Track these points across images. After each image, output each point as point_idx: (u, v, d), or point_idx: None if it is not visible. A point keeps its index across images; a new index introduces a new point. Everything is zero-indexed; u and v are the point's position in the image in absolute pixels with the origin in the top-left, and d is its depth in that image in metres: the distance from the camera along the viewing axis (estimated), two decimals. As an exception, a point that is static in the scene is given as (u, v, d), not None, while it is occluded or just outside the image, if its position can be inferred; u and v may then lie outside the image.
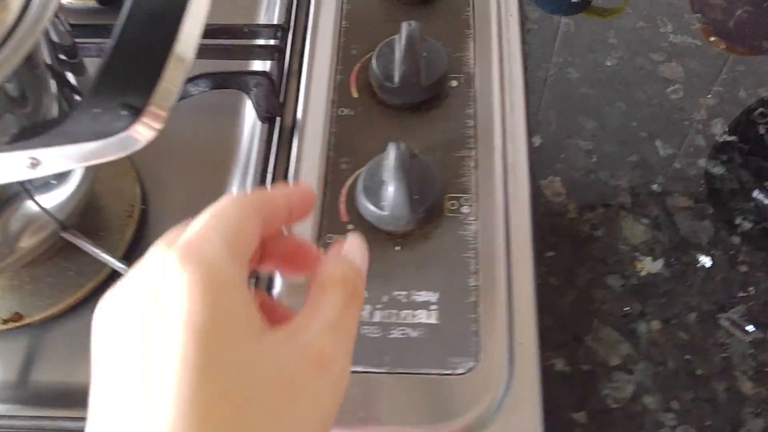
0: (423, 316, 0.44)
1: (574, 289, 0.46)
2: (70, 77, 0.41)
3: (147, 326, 0.24)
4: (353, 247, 0.30)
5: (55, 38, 0.39)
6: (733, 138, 0.52)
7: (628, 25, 0.58)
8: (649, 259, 0.47)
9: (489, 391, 0.42)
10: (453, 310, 0.44)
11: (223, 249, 0.25)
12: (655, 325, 0.45)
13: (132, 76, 0.31)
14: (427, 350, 0.43)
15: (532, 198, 0.48)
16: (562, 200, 0.49)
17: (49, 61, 0.38)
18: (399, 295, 0.44)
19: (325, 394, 0.25)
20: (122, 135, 0.31)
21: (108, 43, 0.32)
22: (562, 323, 0.45)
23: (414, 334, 0.43)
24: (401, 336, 0.43)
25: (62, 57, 0.39)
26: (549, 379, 0.44)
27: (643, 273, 0.46)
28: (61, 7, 0.40)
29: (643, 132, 0.52)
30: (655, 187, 0.50)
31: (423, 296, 0.44)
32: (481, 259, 0.45)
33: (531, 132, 0.52)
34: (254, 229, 0.27)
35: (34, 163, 0.33)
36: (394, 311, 0.44)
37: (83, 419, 0.42)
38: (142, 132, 0.31)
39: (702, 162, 0.51)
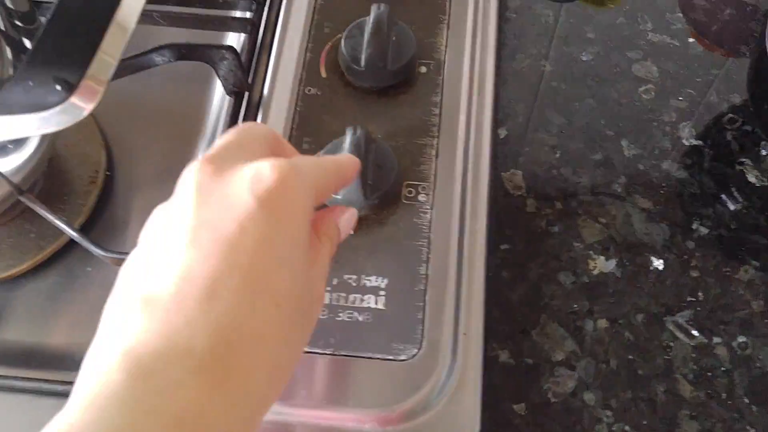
0: (371, 301, 0.44)
1: (525, 284, 0.46)
2: (27, 44, 0.41)
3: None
4: (348, 219, 0.37)
5: (9, 4, 0.39)
6: (699, 142, 0.52)
7: (608, 21, 0.57)
8: (602, 258, 0.47)
9: (431, 379, 0.42)
10: (401, 297, 0.44)
11: (310, 192, 0.31)
12: (602, 323, 0.45)
13: (69, 47, 0.31)
14: (373, 335, 0.43)
15: (491, 190, 0.48)
16: (521, 194, 0.49)
17: (3, 27, 0.38)
18: (349, 278, 0.45)
19: (310, 328, 0.31)
20: (57, 109, 0.31)
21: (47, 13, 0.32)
22: (510, 316, 0.45)
23: (361, 318, 0.43)
24: (348, 319, 0.43)
25: (18, 23, 0.39)
26: (492, 370, 0.44)
27: (595, 272, 0.46)
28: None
29: (611, 131, 0.52)
30: (616, 186, 0.50)
31: (373, 281, 0.45)
32: (433, 248, 0.45)
33: (497, 124, 0.52)
34: (329, 190, 0.35)
35: (-27, 130, 0.33)
36: (342, 294, 0.44)
37: (42, 380, 0.43)
38: (77, 105, 0.31)
39: (666, 164, 0.51)
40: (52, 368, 0.46)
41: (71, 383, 0.42)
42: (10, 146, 0.43)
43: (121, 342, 0.26)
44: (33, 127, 0.32)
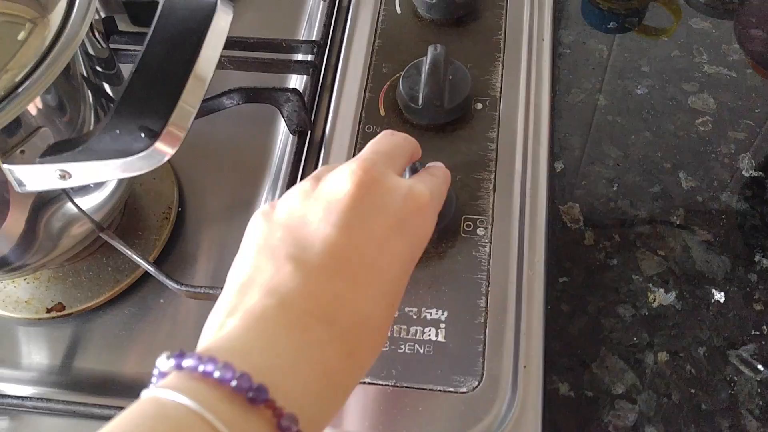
0: (432, 334, 0.45)
1: (585, 316, 0.47)
2: (107, 88, 0.44)
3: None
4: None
5: (91, 51, 0.42)
6: (759, 174, 0.52)
7: (663, 54, 0.58)
8: (662, 290, 0.47)
9: (491, 412, 0.43)
10: (461, 330, 0.45)
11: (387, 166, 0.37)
12: (663, 356, 0.45)
13: (151, 98, 0.34)
14: (434, 367, 0.44)
15: (549, 223, 0.49)
16: (579, 227, 0.50)
17: (85, 72, 0.41)
18: (410, 311, 0.46)
19: (422, 231, 0.36)
20: (142, 155, 0.33)
21: (132, 65, 0.34)
22: (570, 349, 0.46)
23: (422, 350, 0.45)
24: (409, 352, 0.45)
25: (99, 68, 0.42)
26: (552, 403, 0.45)
27: (654, 304, 0.47)
28: (98, 21, 0.43)
29: (668, 163, 0.52)
30: (674, 218, 0.50)
31: (433, 314, 0.46)
32: (492, 281, 0.46)
33: (553, 157, 0.53)
34: (404, 165, 0.40)
35: (63, 175, 0.36)
36: (404, 326, 0.45)
37: (115, 407, 0.45)
38: (160, 151, 0.34)
39: (725, 196, 0.51)
40: (127, 396, 0.48)
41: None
42: (91, 186, 0.46)
43: (275, 288, 0.31)
44: (119, 171, 0.34)
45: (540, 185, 0.50)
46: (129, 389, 0.49)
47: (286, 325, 0.30)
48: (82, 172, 0.35)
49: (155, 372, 0.29)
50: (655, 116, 0.54)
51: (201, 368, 0.27)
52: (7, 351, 0.51)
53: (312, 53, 0.58)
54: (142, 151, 0.33)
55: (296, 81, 0.60)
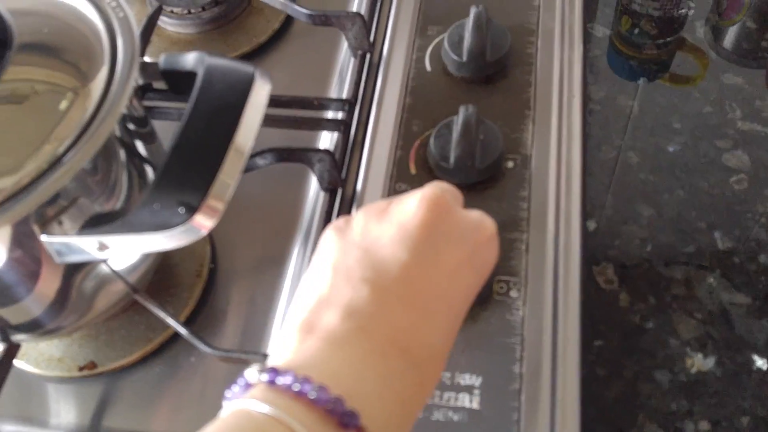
0: (465, 400, 0.44)
1: (621, 381, 0.46)
2: (140, 146, 0.44)
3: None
4: None
5: (127, 113, 0.42)
6: (797, 233, 0.51)
7: (694, 110, 0.57)
8: (700, 355, 0.46)
9: (527, 481, 0.42)
10: (495, 396, 0.44)
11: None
12: (704, 425, 0.44)
13: (190, 172, 0.34)
14: (468, 435, 0.43)
15: (583, 284, 0.48)
16: (613, 288, 0.49)
17: (119, 133, 0.42)
18: (444, 375, 0.45)
19: (488, 264, 0.38)
20: (180, 229, 0.33)
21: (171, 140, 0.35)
22: (607, 416, 0.45)
23: (456, 417, 0.44)
24: (443, 419, 0.44)
25: (132, 127, 0.43)
26: (590, 472, 0.44)
27: (693, 370, 0.46)
28: (136, 88, 0.43)
29: (702, 222, 0.51)
30: (711, 280, 0.49)
31: (467, 379, 0.45)
32: (526, 345, 0.46)
33: (586, 216, 0.53)
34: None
35: (102, 247, 0.36)
36: (437, 392, 0.45)
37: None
38: (199, 225, 0.34)
39: (763, 258, 0.50)
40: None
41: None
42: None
43: (354, 312, 0.32)
44: (157, 244, 0.35)
45: (573, 245, 0.50)
46: (157, 449, 0.49)
47: (368, 351, 0.31)
48: (120, 244, 0.36)
49: (240, 383, 0.30)
50: (688, 174, 0.54)
51: (296, 387, 0.28)
52: (35, 409, 0.51)
53: (343, 110, 0.58)
54: (180, 225, 0.34)
55: (327, 137, 0.60)
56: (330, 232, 0.37)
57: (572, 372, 0.45)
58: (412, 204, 0.36)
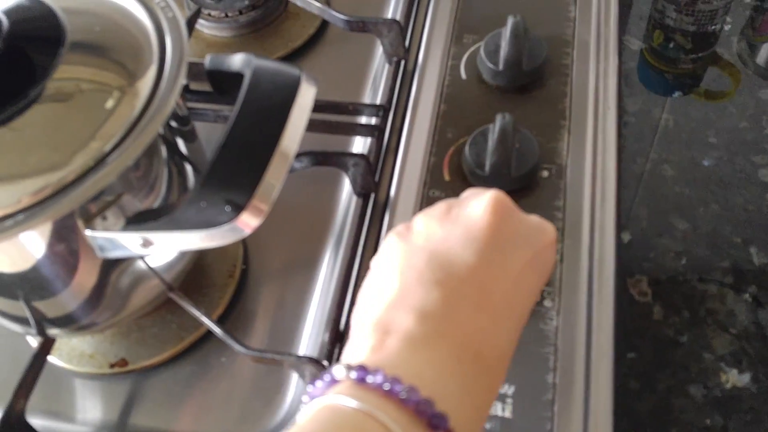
0: (498, 409, 0.44)
1: (654, 395, 0.46)
2: (181, 144, 0.45)
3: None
4: None
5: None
6: (835, 251, 0.50)
7: (730, 125, 0.57)
8: (735, 371, 0.46)
9: (558, 492, 0.42)
10: (528, 406, 0.44)
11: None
12: (738, 442, 0.44)
13: (237, 173, 0.34)
14: (500, 444, 0.43)
15: (617, 296, 0.48)
16: (647, 301, 0.49)
17: (162, 131, 0.42)
18: (475, 383, 0.45)
19: (549, 267, 0.37)
20: (225, 228, 0.34)
21: (219, 139, 0.35)
22: (640, 429, 0.45)
23: (488, 426, 0.44)
24: (474, 426, 0.44)
25: (175, 125, 0.43)
26: (621, 485, 0.44)
27: (728, 385, 0.45)
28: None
29: (738, 237, 0.51)
30: (746, 296, 0.49)
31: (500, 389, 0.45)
32: (560, 355, 0.45)
33: (620, 227, 0.52)
34: None
35: (146, 244, 0.36)
36: (468, 399, 0.45)
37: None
38: (244, 224, 0.34)
39: (800, 274, 0.49)
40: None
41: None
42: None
43: (428, 314, 0.32)
44: (201, 242, 0.35)
45: (607, 256, 0.49)
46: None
47: (446, 355, 0.31)
48: (164, 241, 0.36)
49: (325, 379, 0.30)
50: (723, 189, 0.54)
51: (387, 386, 0.28)
52: (64, 404, 0.51)
53: (377, 116, 0.59)
54: (226, 223, 0.34)
55: (359, 144, 0.60)
56: (392, 236, 0.37)
57: (605, 384, 0.45)
58: (478, 207, 0.36)
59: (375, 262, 0.37)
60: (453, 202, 0.38)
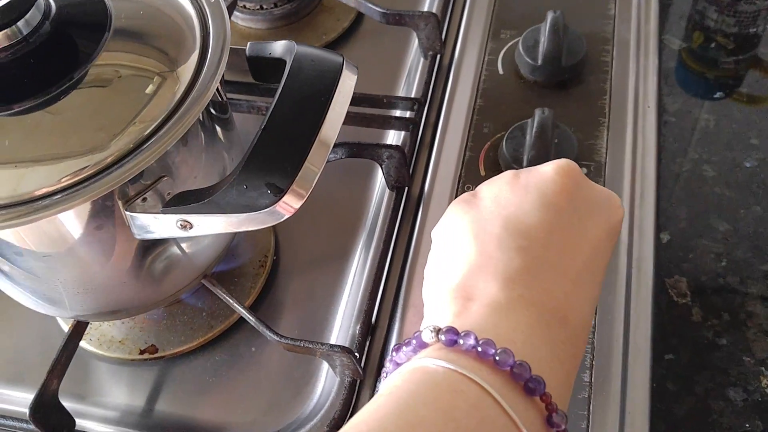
0: (531, 405, 0.44)
1: (692, 397, 0.45)
2: (219, 132, 0.45)
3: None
4: None
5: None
6: None
7: (773, 126, 0.56)
8: (776, 376, 0.45)
9: (592, 493, 0.41)
10: (562, 404, 0.43)
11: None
12: (778, 448, 0.43)
13: (279, 157, 0.34)
14: (532, 440, 0.42)
15: (655, 296, 0.47)
16: (686, 302, 0.48)
17: (202, 118, 0.42)
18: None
19: (615, 239, 0.36)
20: (266, 211, 0.33)
21: (261, 123, 0.35)
22: (677, 431, 0.44)
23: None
24: (507, 422, 0.43)
25: (213, 112, 0.43)
26: (657, 488, 0.43)
27: (768, 390, 0.44)
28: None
29: (781, 240, 0.50)
30: (789, 299, 0.48)
31: (532, 384, 0.44)
32: (597, 354, 0.45)
33: (659, 227, 0.52)
34: None
35: (185, 225, 0.36)
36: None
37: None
38: (284, 208, 0.34)
39: (844, 279, 0.48)
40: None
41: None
42: (201, 237, 0.46)
43: (512, 280, 0.31)
44: (240, 225, 0.35)
45: (646, 256, 0.49)
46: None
47: (534, 319, 0.30)
48: (204, 223, 0.36)
49: (413, 343, 0.30)
50: (765, 190, 0.53)
51: (480, 349, 0.28)
52: (91, 388, 0.51)
53: (412, 110, 0.58)
54: (267, 207, 0.34)
55: (394, 136, 0.60)
56: (457, 204, 0.36)
57: (642, 384, 0.44)
58: (549, 171, 0.35)
59: (439, 232, 0.36)
60: (518, 171, 0.37)
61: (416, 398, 0.27)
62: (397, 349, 0.31)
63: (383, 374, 0.31)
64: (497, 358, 0.28)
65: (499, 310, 0.30)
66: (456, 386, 0.27)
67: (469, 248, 0.33)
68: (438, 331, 0.29)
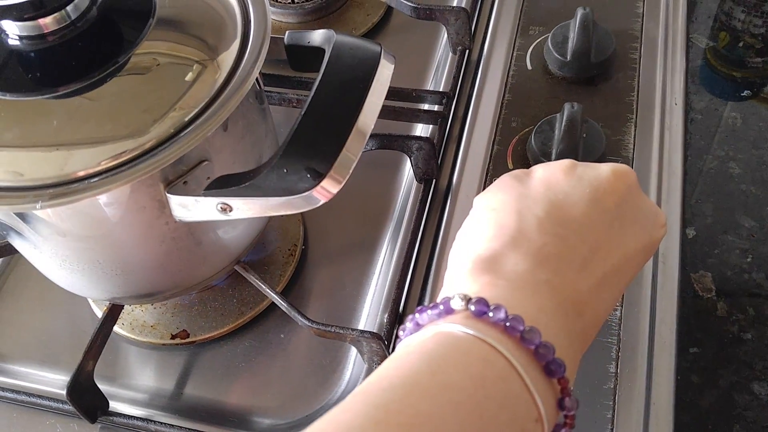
0: (557, 394, 0.44)
1: (716, 390, 0.45)
2: (256, 120, 0.45)
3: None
4: None
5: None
6: None
7: (800, 125, 0.56)
8: (801, 371, 0.45)
9: (617, 481, 0.42)
10: (590, 393, 0.44)
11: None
12: (803, 442, 0.43)
13: (318, 143, 0.35)
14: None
15: (680, 290, 0.48)
16: (711, 297, 0.48)
17: (241, 105, 0.43)
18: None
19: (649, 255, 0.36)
20: (305, 194, 0.34)
21: (301, 109, 0.36)
22: (701, 423, 0.44)
23: (546, 410, 0.44)
24: (533, 410, 0.44)
25: (252, 101, 0.44)
26: (680, 478, 0.43)
27: (793, 385, 0.45)
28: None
29: (807, 237, 0.50)
30: (815, 296, 0.48)
31: (559, 374, 0.45)
32: (623, 346, 0.45)
33: (685, 223, 0.52)
34: None
35: (225, 209, 0.37)
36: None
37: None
38: (322, 193, 0.35)
39: None
40: (238, 428, 0.49)
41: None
42: (236, 222, 0.47)
43: (544, 262, 0.32)
44: (280, 208, 0.36)
45: (672, 250, 0.49)
46: (242, 421, 0.49)
47: (556, 305, 0.31)
48: (244, 206, 0.37)
49: (438, 309, 0.30)
50: (792, 188, 0.53)
51: (508, 323, 0.29)
52: (123, 371, 0.53)
53: (440, 104, 0.59)
54: (306, 191, 0.35)
55: (422, 130, 0.61)
56: (508, 178, 0.37)
57: (667, 376, 0.44)
58: (606, 170, 0.36)
59: (483, 200, 0.36)
60: (576, 162, 0.37)
61: (447, 361, 0.28)
62: (421, 311, 0.31)
63: (401, 331, 0.32)
64: (525, 336, 0.28)
65: (526, 289, 0.31)
66: (486, 356, 0.28)
67: (509, 223, 0.33)
68: (468, 300, 0.30)
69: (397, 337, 0.32)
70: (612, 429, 0.42)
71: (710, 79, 0.62)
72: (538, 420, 0.27)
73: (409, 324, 0.31)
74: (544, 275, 0.31)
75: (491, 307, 0.29)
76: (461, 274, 0.33)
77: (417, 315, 0.31)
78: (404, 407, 0.26)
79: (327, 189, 0.35)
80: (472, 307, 0.29)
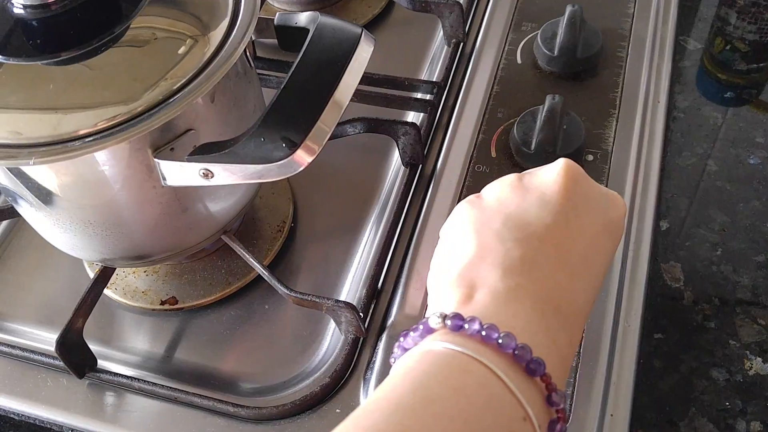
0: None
1: (676, 375, 0.47)
2: (245, 96, 0.47)
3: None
4: None
5: (239, 64, 0.45)
6: None
7: (780, 127, 0.58)
8: (759, 360, 0.47)
9: (574, 455, 0.43)
10: (550, 370, 0.45)
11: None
12: (756, 426, 0.44)
13: (295, 114, 0.37)
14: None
15: (649, 278, 0.49)
16: (679, 286, 0.50)
17: (229, 79, 0.45)
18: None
19: (618, 235, 0.38)
20: (280, 162, 0.36)
21: (281, 83, 0.38)
22: (659, 405, 0.46)
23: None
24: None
25: (240, 77, 0.46)
26: (636, 457, 0.45)
27: (751, 372, 0.46)
28: (250, 42, 0.46)
29: (776, 234, 0.52)
30: (779, 290, 0.49)
31: (524, 352, 0.47)
32: (588, 327, 0.47)
33: (659, 215, 0.54)
34: None
35: (206, 174, 0.39)
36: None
37: (215, 399, 0.48)
38: (298, 160, 0.37)
39: (835, 273, 0.50)
40: (223, 391, 0.51)
41: (241, 406, 0.47)
42: (221, 191, 0.49)
43: (511, 270, 0.34)
44: (258, 176, 0.38)
45: (644, 240, 0.51)
46: (226, 385, 0.52)
47: (530, 307, 0.33)
48: (224, 173, 0.39)
49: (419, 329, 0.32)
50: (766, 186, 0.54)
51: (484, 333, 0.30)
52: (115, 334, 0.55)
53: (431, 93, 0.61)
54: (281, 159, 0.37)
55: (413, 118, 0.63)
56: (463, 204, 0.39)
57: (629, 358, 0.46)
58: (551, 171, 0.38)
59: (446, 229, 0.39)
60: (521, 173, 0.39)
61: (429, 377, 0.30)
62: (405, 335, 0.33)
63: (392, 359, 0.34)
64: (500, 341, 0.30)
65: (499, 298, 0.33)
66: (465, 366, 0.30)
67: (471, 241, 0.36)
68: (444, 317, 0.32)
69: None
70: (571, 404, 0.44)
71: (698, 81, 0.63)
72: (525, 418, 0.29)
73: (396, 350, 0.34)
74: (513, 281, 0.33)
75: (466, 321, 0.31)
76: (438, 295, 0.35)
77: (402, 339, 0.33)
78: (390, 425, 0.28)
79: (301, 158, 0.37)
80: (449, 323, 0.31)
